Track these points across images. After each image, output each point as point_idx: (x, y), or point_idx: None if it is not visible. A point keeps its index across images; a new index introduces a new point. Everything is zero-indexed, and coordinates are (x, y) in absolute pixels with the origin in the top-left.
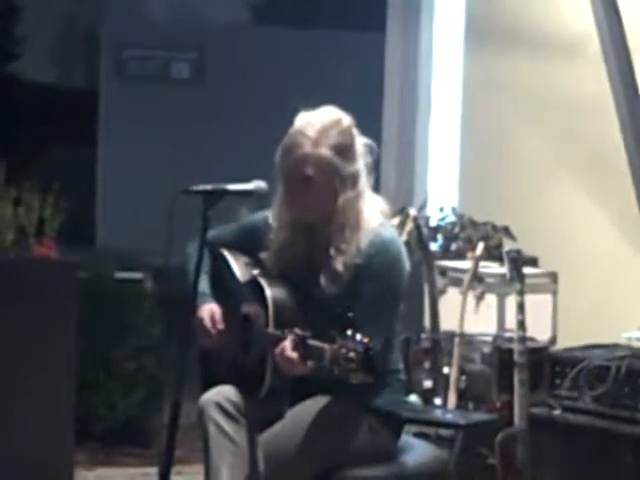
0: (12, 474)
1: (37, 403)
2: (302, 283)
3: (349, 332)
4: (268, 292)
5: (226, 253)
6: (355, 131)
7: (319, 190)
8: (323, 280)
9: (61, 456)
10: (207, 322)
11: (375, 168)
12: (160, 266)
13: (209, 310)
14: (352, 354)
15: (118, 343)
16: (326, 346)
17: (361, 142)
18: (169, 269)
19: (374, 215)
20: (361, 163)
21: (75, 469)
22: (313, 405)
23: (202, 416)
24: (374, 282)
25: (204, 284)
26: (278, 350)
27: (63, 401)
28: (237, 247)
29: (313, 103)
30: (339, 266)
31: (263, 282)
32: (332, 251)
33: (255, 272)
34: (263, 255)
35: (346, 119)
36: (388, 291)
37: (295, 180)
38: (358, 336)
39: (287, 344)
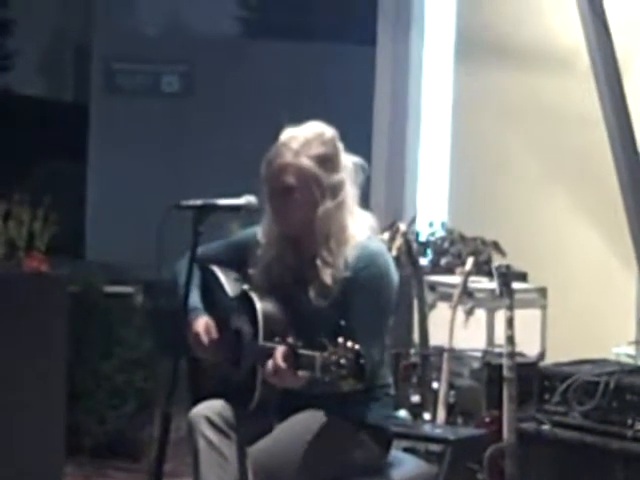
0: None
1: (27, 416)
2: (291, 297)
3: (340, 339)
4: (258, 305)
5: (215, 269)
6: (339, 143)
7: (301, 200)
8: (312, 293)
9: (51, 469)
10: (203, 336)
11: (365, 183)
12: (150, 280)
13: (204, 323)
14: (343, 360)
15: (108, 357)
16: (317, 354)
17: (351, 160)
18: (159, 283)
19: (361, 229)
20: (344, 175)
21: None
22: (303, 419)
23: (192, 430)
24: (363, 294)
25: (196, 298)
26: (269, 362)
27: (53, 414)
28: (226, 263)
29: (303, 117)
30: (327, 279)
31: (253, 295)
32: (319, 262)
33: (245, 287)
34: (251, 271)
35: (329, 131)
36: (377, 303)
37: (277, 190)
38: (349, 343)
39: (277, 355)
